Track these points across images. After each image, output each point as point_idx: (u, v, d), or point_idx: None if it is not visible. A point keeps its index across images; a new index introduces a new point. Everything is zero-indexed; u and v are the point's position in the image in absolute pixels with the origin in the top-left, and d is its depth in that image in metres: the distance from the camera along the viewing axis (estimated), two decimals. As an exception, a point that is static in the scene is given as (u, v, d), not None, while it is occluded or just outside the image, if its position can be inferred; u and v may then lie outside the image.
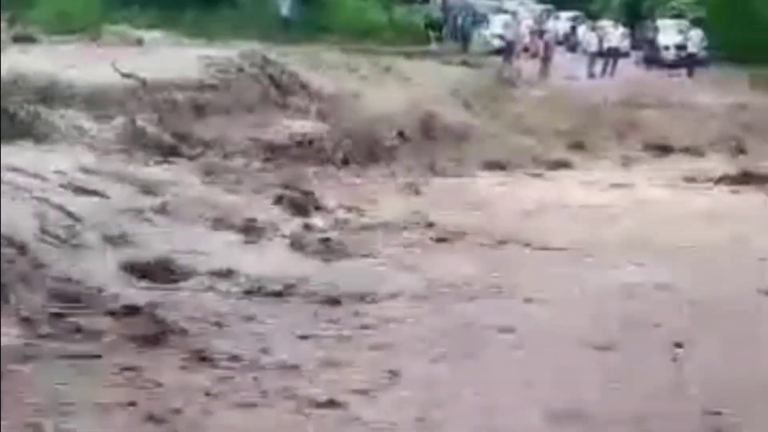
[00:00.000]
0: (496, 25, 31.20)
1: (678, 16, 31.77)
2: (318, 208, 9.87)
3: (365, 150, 13.02)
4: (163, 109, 12.53)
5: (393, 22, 33.42)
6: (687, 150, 14.42)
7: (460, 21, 32.99)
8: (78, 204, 8.36)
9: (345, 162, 12.62)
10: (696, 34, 29.11)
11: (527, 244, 9.42)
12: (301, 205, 9.91)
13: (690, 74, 27.62)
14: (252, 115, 13.93)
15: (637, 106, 20.41)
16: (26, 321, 6.20)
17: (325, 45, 25.54)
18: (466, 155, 14.41)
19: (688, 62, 28.27)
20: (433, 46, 31.48)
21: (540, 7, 35.88)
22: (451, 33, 33.31)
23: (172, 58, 16.61)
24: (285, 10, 31.98)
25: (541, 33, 30.07)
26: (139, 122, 11.72)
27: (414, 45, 30.56)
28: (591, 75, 28.07)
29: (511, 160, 15.11)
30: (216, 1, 30.28)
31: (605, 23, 30.83)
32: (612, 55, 28.70)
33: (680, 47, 29.38)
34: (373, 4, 35.57)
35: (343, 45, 25.98)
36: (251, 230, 8.86)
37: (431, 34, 33.30)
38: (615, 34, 29.37)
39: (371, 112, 14.79)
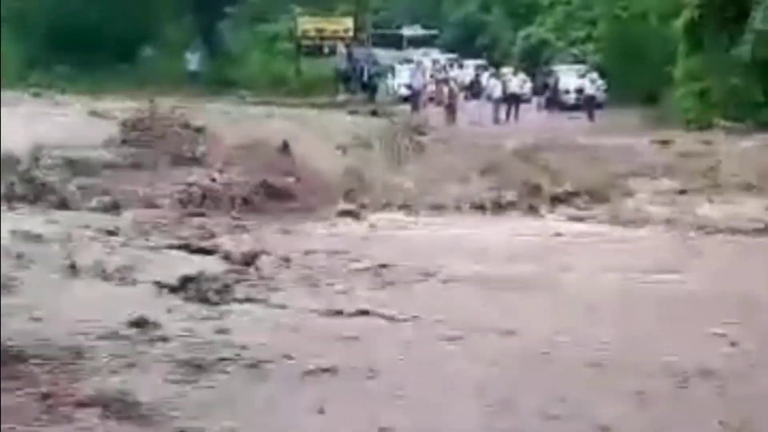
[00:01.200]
0: (402, 74, 31.88)
1: (577, 62, 33.00)
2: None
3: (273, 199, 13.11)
4: (63, 166, 12.46)
5: (300, 74, 33.85)
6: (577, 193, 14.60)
7: (366, 72, 33.58)
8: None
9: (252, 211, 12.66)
10: (594, 78, 30.30)
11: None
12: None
13: (590, 117, 28.63)
14: (159, 168, 13.91)
15: (543, 148, 20.87)
16: None
17: (232, 98, 25.70)
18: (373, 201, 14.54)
19: (587, 105, 29.35)
20: (342, 97, 31.93)
21: (445, 56, 36.80)
22: (359, 84, 33.87)
23: (77, 115, 16.53)
24: (194, 64, 32.17)
25: (445, 81, 30.83)
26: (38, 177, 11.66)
27: (322, 96, 30.96)
28: (496, 120, 28.87)
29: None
30: (124, 58, 30.33)
31: (506, 70, 31.84)
32: (514, 100, 29.61)
33: (579, 91, 30.54)
34: (280, 57, 36.06)
35: (250, 98, 26.19)
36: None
37: (339, 85, 33.87)
38: (516, 81, 30.36)
39: (278, 161, 14.94)
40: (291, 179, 13.92)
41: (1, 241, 8.14)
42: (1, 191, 11.25)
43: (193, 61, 32.16)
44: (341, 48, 35.77)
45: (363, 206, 13.39)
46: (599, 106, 29.86)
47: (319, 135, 18.08)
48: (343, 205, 13.28)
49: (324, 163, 15.80)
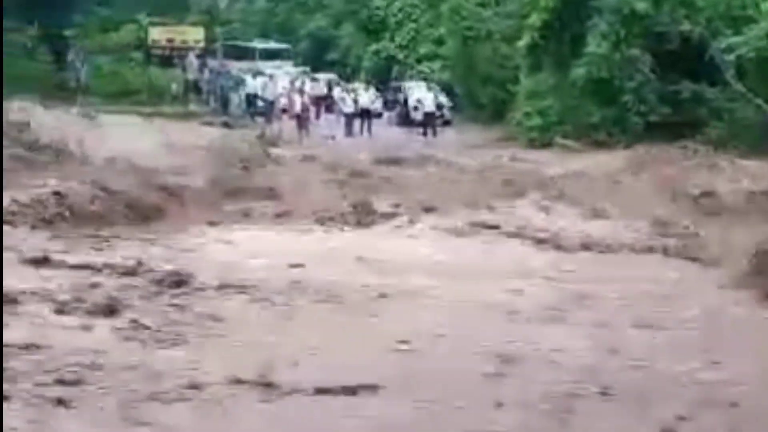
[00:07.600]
0: (253, 86, 31.81)
1: (425, 79, 33.67)
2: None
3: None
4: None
5: (151, 83, 33.35)
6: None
7: (219, 83, 33.41)
8: None
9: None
10: (441, 96, 31.02)
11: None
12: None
13: (434, 133, 29.33)
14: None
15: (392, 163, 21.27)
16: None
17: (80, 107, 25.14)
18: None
19: (433, 122, 29.91)
20: (193, 107, 31.67)
21: (297, 70, 36.89)
22: (211, 95, 33.65)
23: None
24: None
25: (299, 93, 30.87)
26: None
27: (172, 106, 30.66)
28: (349, 134, 29.25)
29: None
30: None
31: (357, 85, 32.24)
32: (366, 115, 30.03)
33: (428, 108, 31.01)
34: (129, 66, 35.37)
35: (98, 107, 25.67)
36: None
37: (189, 95, 33.56)
38: (366, 96, 30.75)
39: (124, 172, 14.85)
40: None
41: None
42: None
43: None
44: (191, 58, 35.45)
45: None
46: (447, 123, 30.62)
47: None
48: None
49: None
